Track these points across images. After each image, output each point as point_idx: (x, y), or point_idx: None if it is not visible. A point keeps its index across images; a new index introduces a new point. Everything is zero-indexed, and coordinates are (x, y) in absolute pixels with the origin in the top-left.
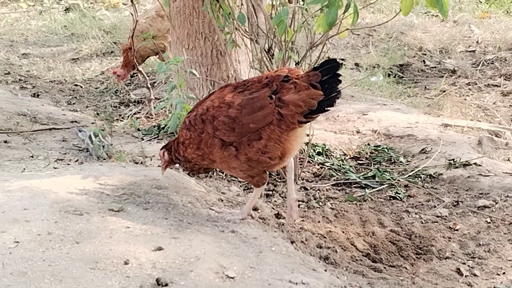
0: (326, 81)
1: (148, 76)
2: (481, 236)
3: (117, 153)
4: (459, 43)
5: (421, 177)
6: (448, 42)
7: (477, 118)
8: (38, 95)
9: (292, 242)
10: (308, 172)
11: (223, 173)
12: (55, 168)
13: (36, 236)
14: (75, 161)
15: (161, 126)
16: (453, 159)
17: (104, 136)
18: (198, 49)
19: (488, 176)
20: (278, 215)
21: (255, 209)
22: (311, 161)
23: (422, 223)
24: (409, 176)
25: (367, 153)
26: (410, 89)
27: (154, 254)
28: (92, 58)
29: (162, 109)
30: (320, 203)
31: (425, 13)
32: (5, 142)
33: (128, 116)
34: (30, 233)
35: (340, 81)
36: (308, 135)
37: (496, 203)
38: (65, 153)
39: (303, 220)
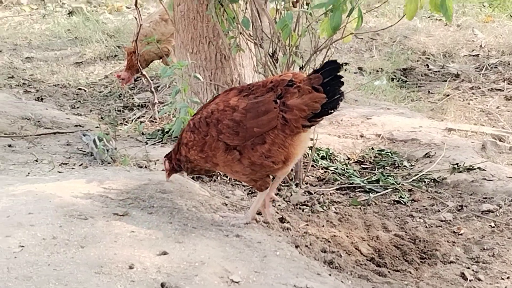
0: (328, 83)
1: (152, 80)
2: (485, 241)
3: (122, 157)
4: (462, 47)
5: (425, 182)
6: (452, 46)
7: (480, 123)
8: (42, 99)
9: (296, 247)
10: (312, 176)
11: (227, 177)
12: (59, 172)
13: (41, 241)
14: (80, 165)
15: (165, 130)
16: (457, 164)
17: (109, 140)
18: (202, 53)
19: (492, 180)
20: (282, 220)
21: (259, 213)
22: (315, 165)
23: (426, 227)
24: (413, 180)
25: (371, 157)
26: (413, 93)
27: (158, 259)
28: (95, 62)
29: (166, 113)
30: (324, 208)
31: (429, 17)
32: (9, 146)
33: (132, 120)
34: (35, 238)
35: (342, 83)
36: (312, 139)
37: (500, 207)
38: (69, 157)
39: (307, 225)
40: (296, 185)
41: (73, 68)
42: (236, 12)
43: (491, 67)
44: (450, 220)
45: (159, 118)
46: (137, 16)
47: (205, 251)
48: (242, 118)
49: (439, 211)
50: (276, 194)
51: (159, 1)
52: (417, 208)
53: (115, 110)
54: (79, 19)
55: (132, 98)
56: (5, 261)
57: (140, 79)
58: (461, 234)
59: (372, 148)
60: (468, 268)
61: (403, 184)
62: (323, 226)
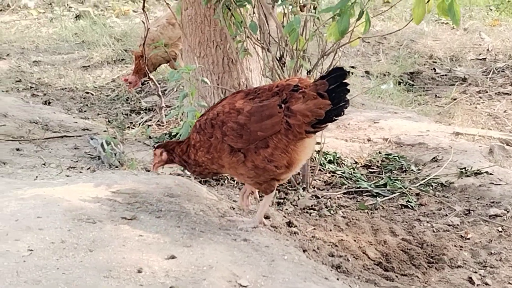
0: (334, 90)
1: (159, 84)
2: (493, 245)
3: (129, 161)
4: (469, 51)
5: (432, 186)
6: (459, 50)
7: (488, 127)
8: (49, 103)
9: (304, 251)
10: (319, 180)
11: (234, 180)
12: (67, 176)
13: (50, 244)
14: (87, 169)
15: (173, 134)
16: (464, 168)
17: (116, 144)
18: (210, 57)
19: (499, 184)
20: (289, 223)
21: (266, 217)
22: (322, 169)
23: (433, 231)
24: (421, 184)
25: (378, 161)
26: (420, 97)
27: (167, 263)
28: (103, 66)
29: (173, 117)
30: (332, 212)
31: (436, 20)
32: (17, 150)
33: (139, 124)
34: (43, 241)
35: (348, 90)
36: (319, 143)
37: (508, 212)
38: (77, 161)
39: (314, 229)
40: (303, 189)
41: (81, 71)
42: (243, 16)
43: (498, 71)
44: (458, 225)
45: (167, 122)
46: (144, 20)
47: (213, 255)
48: (246, 121)
49: (446, 215)
50: (284, 198)
51: (166, 5)
52: (424, 213)
53: (123, 113)
54: (86, 23)
55: (139, 102)
56: (14, 265)
57: (147, 83)
58: (469, 239)
59: (380, 152)
60: (476, 272)
61: (410, 188)
62: (330, 230)
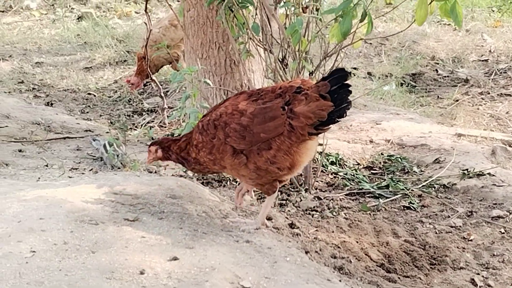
0: (336, 91)
1: (161, 85)
2: (495, 247)
3: (131, 162)
4: (471, 52)
5: (434, 187)
6: (461, 51)
7: (490, 128)
8: (51, 104)
9: (306, 252)
10: (322, 181)
11: (236, 182)
12: (69, 177)
13: (52, 246)
14: (90, 170)
15: (175, 135)
16: (467, 169)
17: (118, 145)
18: (212, 59)
19: (502, 186)
20: (292, 225)
21: (269, 218)
22: (324, 171)
23: (436, 233)
24: (423, 186)
25: (380, 162)
26: (423, 99)
27: (169, 264)
28: (105, 67)
29: (175, 118)
30: (334, 213)
31: (438, 22)
32: (20, 151)
33: (142, 125)
34: (46, 243)
35: (350, 92)
36: (321, 144)
37: (510, 213)
38: (79, 162)
39: (317, 230)
40: (306, 190)
41: (83, 73)
42: (246, 18)
43: (501, 72)
44: (460, 226)
45: (169, 123)
46: (146, 22)
47: (216, 256)
48: (249, 122)
49: (449, 217)
50: (286, 200)
51: (168, 7)
52: (427, 214)
53: (125, 115)
54: (89, 24)
55: (142, 103)
56: (17, 266)
57: (150, 84)
58: (471, 240)
59: (382, 154)
60: (478, 274)
61: (412, 190)
62: (332, 231)
